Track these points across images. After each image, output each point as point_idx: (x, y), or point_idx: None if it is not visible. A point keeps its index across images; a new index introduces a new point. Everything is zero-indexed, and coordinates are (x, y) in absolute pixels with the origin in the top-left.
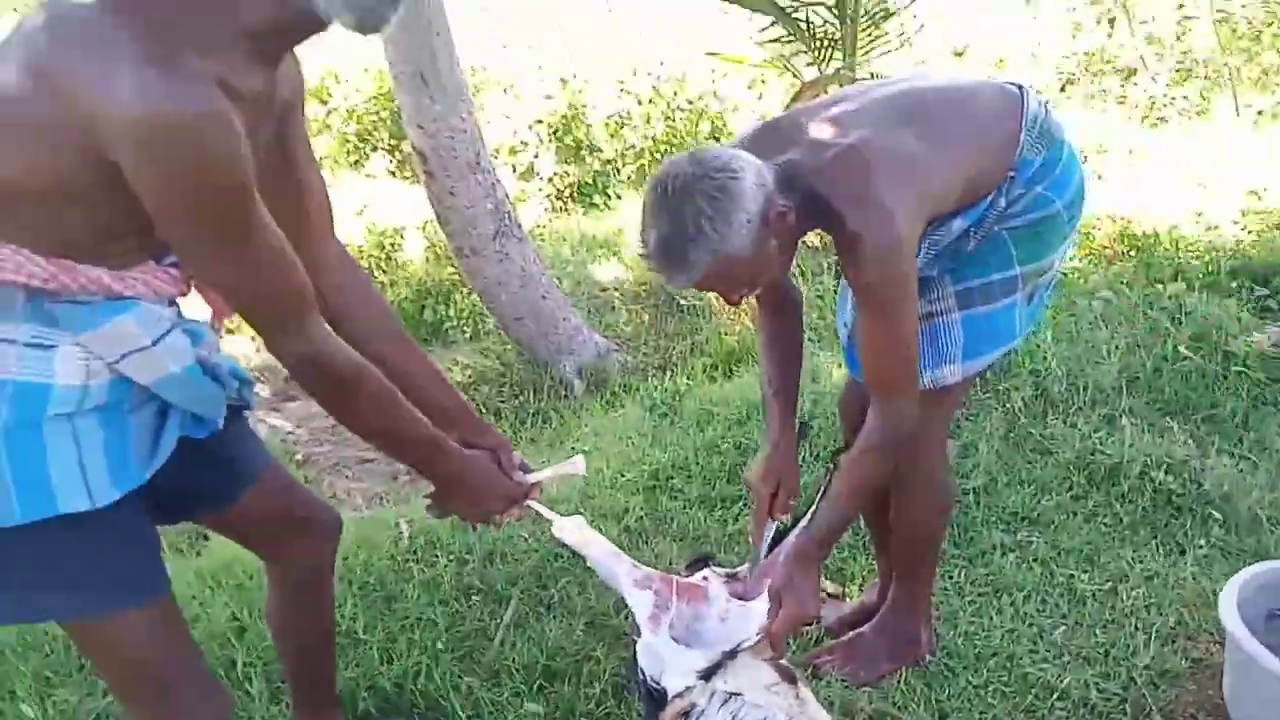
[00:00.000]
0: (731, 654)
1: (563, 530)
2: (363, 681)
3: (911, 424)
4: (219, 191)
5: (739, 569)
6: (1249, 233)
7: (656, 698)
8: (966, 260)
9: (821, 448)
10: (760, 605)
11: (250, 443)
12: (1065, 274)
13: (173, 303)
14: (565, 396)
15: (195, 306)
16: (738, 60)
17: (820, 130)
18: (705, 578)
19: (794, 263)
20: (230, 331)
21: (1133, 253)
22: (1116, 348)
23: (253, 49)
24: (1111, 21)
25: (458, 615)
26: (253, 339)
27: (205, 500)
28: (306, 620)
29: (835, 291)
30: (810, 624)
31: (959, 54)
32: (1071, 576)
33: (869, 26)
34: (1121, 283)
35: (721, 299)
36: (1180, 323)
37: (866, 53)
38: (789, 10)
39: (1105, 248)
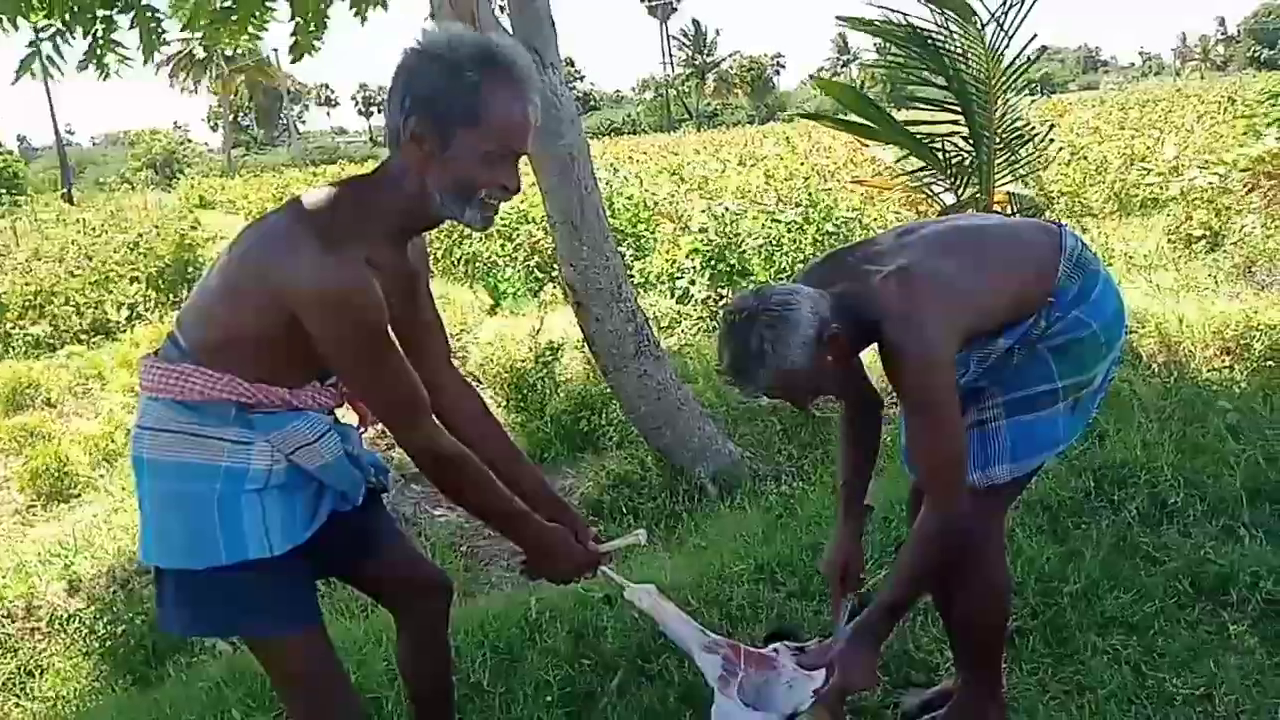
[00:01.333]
0: (791, 717)
1: (635, 595)
2: None
3: (961, 515)
4: (365, 337)
5: (808, 643)
6: None
7: None
8: (1013, 374)
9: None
10: (821, 674)
11: (384, 519)
12: (1202, 385)
13: (331, 411)
14: (699, 500)
15: (347, 415)
16: (883, 186)
17: (871, 261)
18: (775, 649)
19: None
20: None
21: None
22: (1243, 459)
23: (389, 237)
24: None
25: (570, 679)
26: None
27: (346, 560)
28: (426, 665)
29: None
30: (859, 692)
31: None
32: (1163, 680)
33: (1005, 152)
34: (1263, 394)
35: (795, 406)
36: None
37: (1004, 176)
38: (926, 141)
39: (1265, 360)
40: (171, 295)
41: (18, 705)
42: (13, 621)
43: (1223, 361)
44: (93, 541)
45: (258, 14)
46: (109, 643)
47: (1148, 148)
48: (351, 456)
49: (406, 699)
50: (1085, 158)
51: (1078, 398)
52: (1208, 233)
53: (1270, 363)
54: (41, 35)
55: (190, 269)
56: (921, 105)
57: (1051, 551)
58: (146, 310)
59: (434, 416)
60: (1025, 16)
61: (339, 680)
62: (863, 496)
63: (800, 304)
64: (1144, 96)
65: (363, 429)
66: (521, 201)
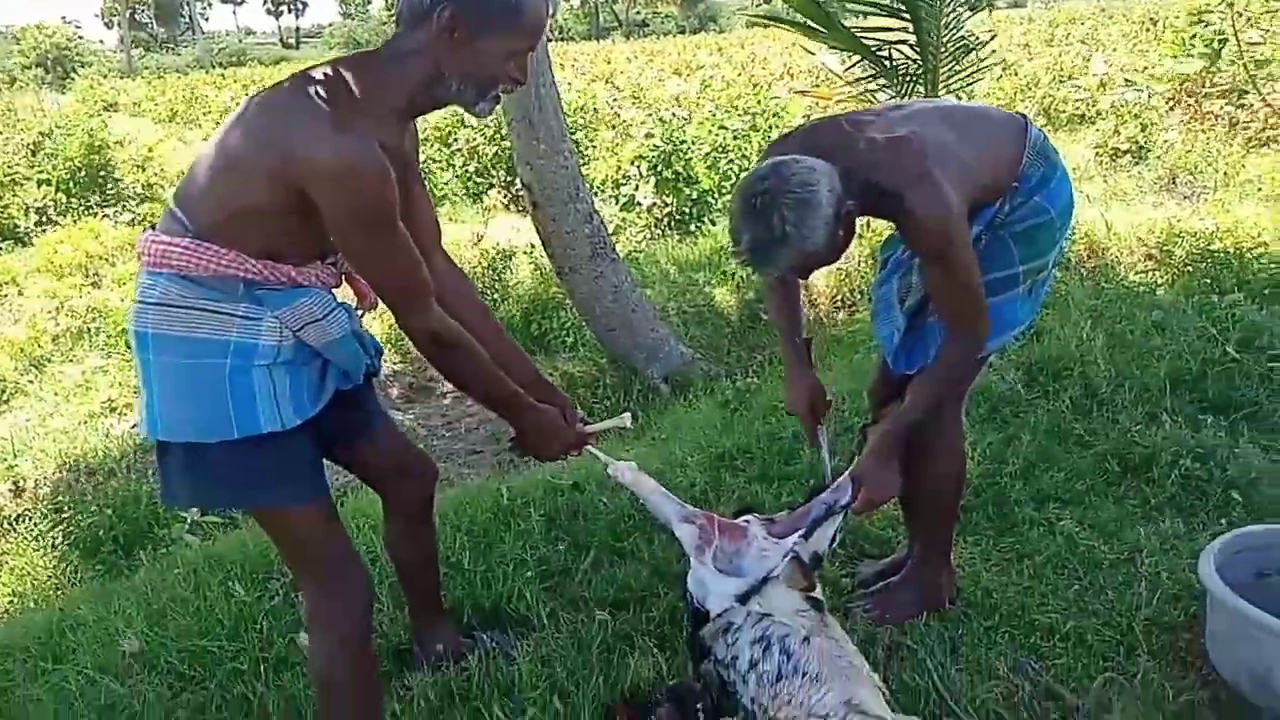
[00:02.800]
0: (764, 581)
1: (617, 471)
2: (467, 601)
3: (981, 344)
4: (377, 215)
5: (776, 515)
6: None
7: (700, 616)
8: (978, 261)
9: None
10: (789, 541)
11: (376, 401)
12: (1130, 287)
13: (330, 291)
14: (652, 399)
15: (345, 296)
16: (825, 96)
17: (869, 132)
18: (747, 520)
19: None
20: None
21: (1206, 267)
22: (1166, 352)
23: (395, 117)
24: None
25: (545, 558)
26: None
27: (345, 439)
28: (412, 545)
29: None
30: (886, 502)
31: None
32: (1092, 547)
33: (949, 61)
34: (1184, 295)
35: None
36: (1231, 329)
37: (948, 85)
38: (875, 49)
39: (1184, 265)
40: (84, 199)
41: None
42: None
43: (1147, 266)
44: (31, 446)
45: None
46: (73, 537)
47: (1075, 65)
48: (355, 334)
49: (398, 576)
50: (1016, 73)
51: (1034, 281)
52: (1134, 146)
53: (1190, 267)
54: None
55: (103, 173)
56: (869, 9)
57: (993, 437)
58: (58, 215)
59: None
60: None
61: (348, 548)
62: (801, 332)
63: (820, 183)
64: (1070, 14)
65: (361, 310)
66: None
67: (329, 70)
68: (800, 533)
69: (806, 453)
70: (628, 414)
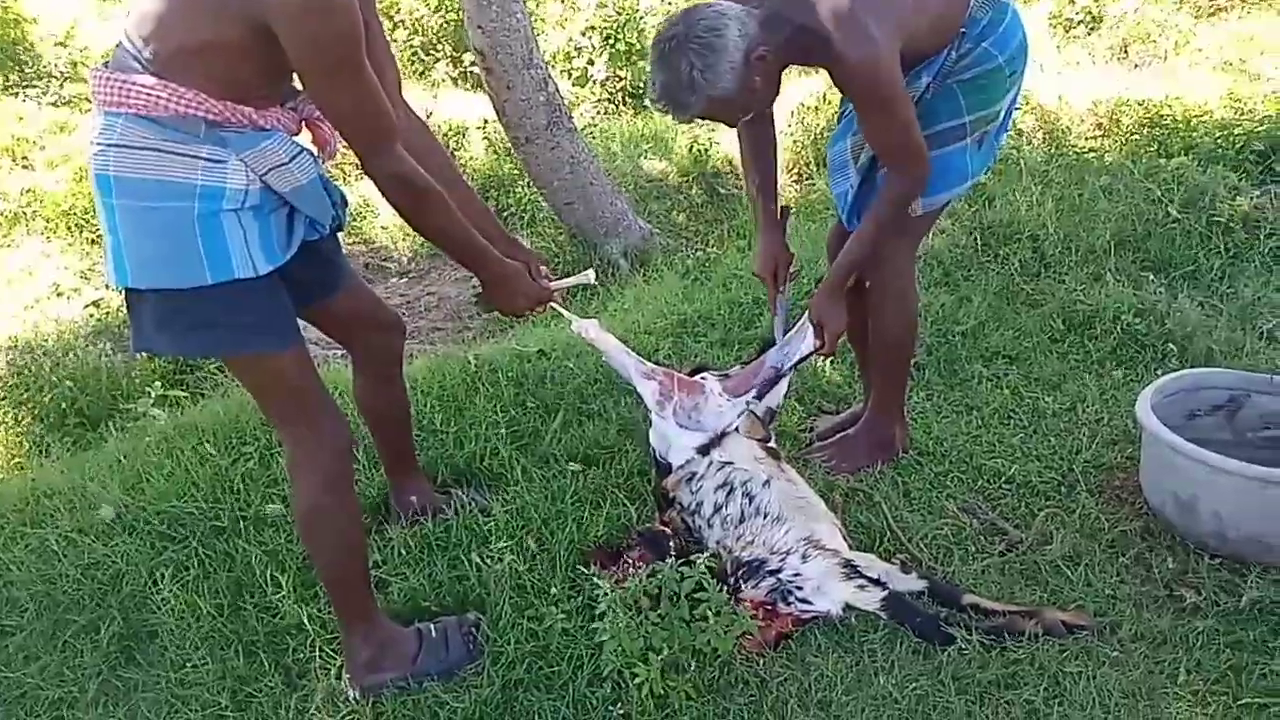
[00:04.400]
0: (723, 435)
1: (581, 328)
2: (441, 460)
3: (922, 184)
4: (343, 49)
5: (730, 370)
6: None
7: (664, 468)
8: (924, 112)
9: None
10: (742, 400)
11: (343, 256)
12: (1080, 154)
13: (292, 138)
14: (612, 274)
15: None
16: None
17: None
18: (703, 377)
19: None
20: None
21: (1155, 133)
22: (1113, 215)
23: None
24: None
25: (515, 419)
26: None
27: (315, 293)
28: (384, 399)
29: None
30: (840, 335)
31: None
32: (1037, 398)
33: None
34: (1132, 160)
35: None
36: (1175, 191)
37: None
38: None
39: (1132, 132)
40: (3, 79)
41: None
42: None
43: (1097, 133)
44: None
45: None
46: (37, 411)
47: None
48: (321, 180)
49: (372, 432)
50: None
51: (985, 132)
52: (1087, 16)
53: (1137, 135)
54: None
55: (20, 48)
56: None
57: (945, 299)
58: None
59: None
60: None
61: (326, 394)
62: (775, 199)
63: (728, 27)
64: None
65: (322, 158)
66: None
67: None
68: (753, 393)
69: (766, 317)
70: (590, 270)
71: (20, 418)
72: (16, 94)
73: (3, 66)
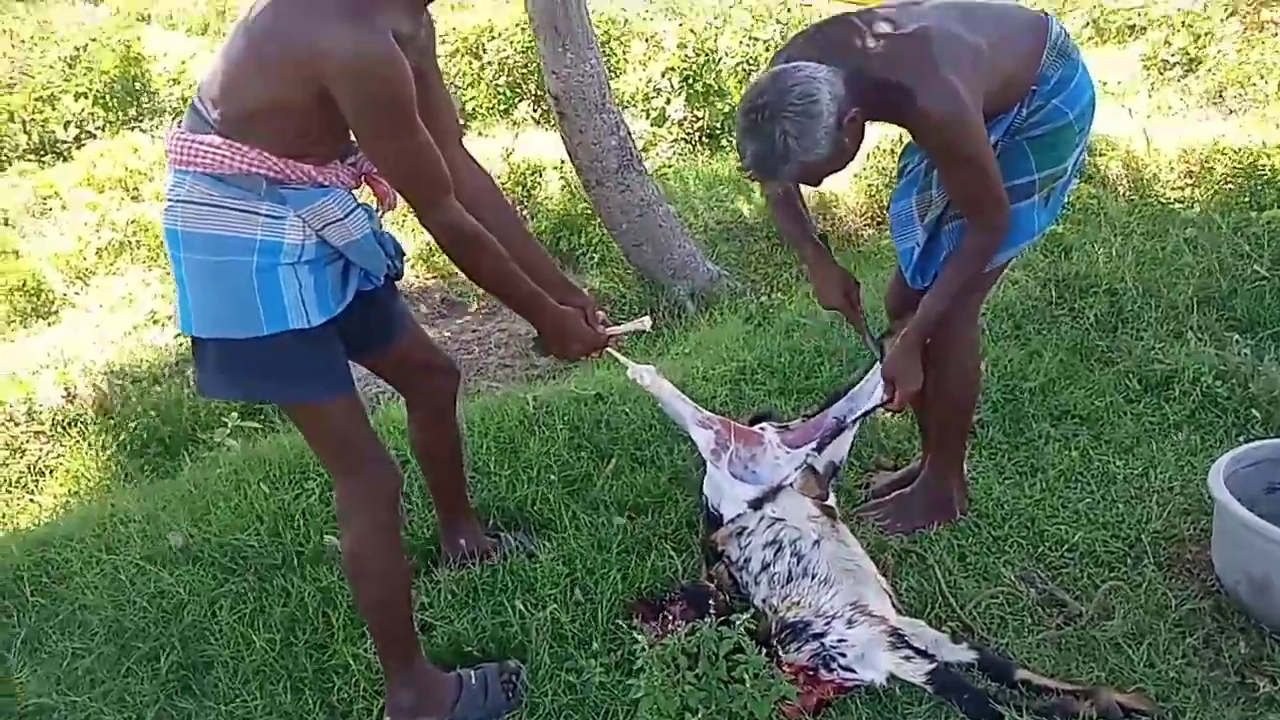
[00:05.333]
0: (778, 489)
1: (637, 374)
2: (493, 503)
3: (1003, 234)
4: (395, 108)
5: (792, 423)
6: None
7: (714, 520)
8: None
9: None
10: (804, 451)
11: (400, 303)
12: (1165, 204)
13: (350, 192)
14: (678, 315)
15: (366, 197)
16: (861, 2)
17: (879, 28)
18: (762, 427)
19: None
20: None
21: (1248, 184)
22: (1197, 270)
23: (408, 9)
24: None
25: (568, 464)
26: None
27: (371, 341)
28: (437, 443)
29: None
30: (914, 394)
31: None
32: (1107, 462)
33: None
34: (1220, 212)
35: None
36: (1265, 247)
37: None
38: None
39: (1224, 182)
40: (121, 113)
41: (32, 502)
42: (16, 425)
43: (1186, 182)
44: (80, 355)
45: None
46: (122, 439)
47: None
48: (375, 235)
49: (425, 476)
50: None
51: (1051, 189)
52: (1184, 58)
53: (1230, 185)
54: None
55: (138, 85)
56: None
57: (1015, 353)
58: (96, 129)
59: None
60: None
61: (375, 440)
62: (814, 233)
63: (821, 92)
64: None
65: (381, 211)
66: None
67: None
68: (813, 445)
69: (827, 366)
70: (647, 317)
71: (107, 444)
72: (133, 128)
73: (123, 102)
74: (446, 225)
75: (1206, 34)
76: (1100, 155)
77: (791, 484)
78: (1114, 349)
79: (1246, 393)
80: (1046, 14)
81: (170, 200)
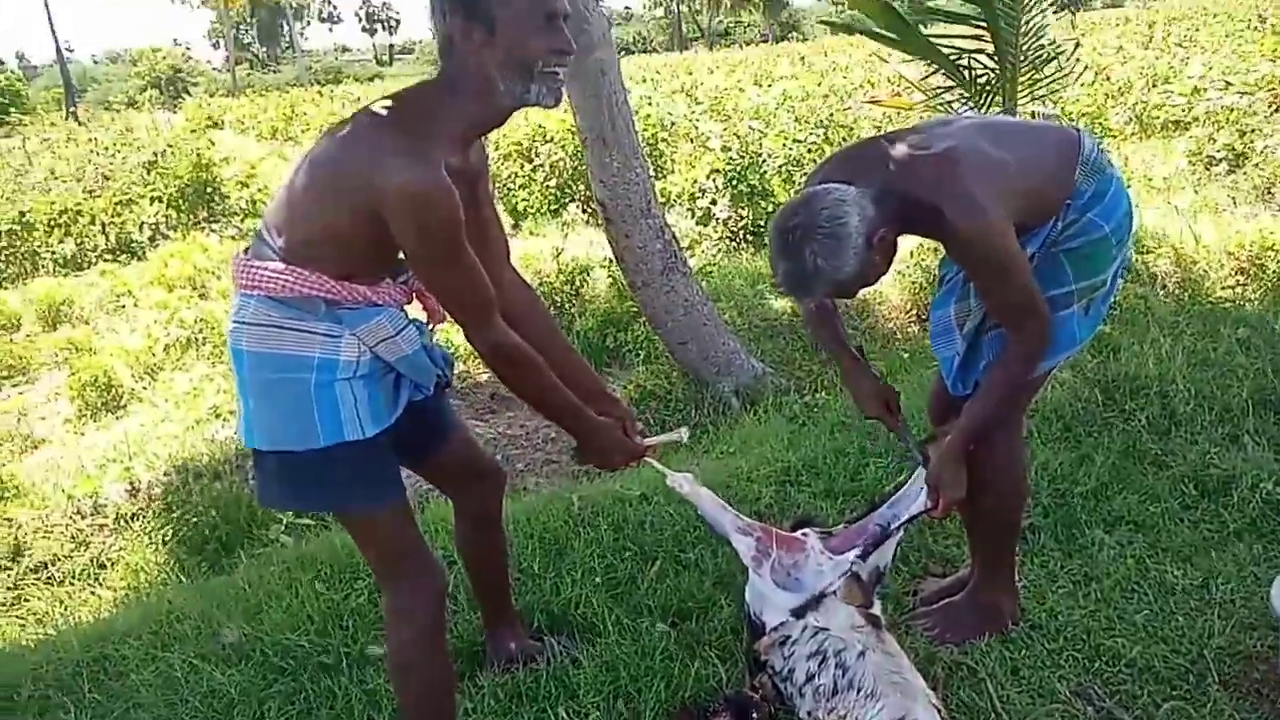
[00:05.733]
0: (821, 597)
1: (675, 482)
2: (537, 606)
3: (1045, 343)
4: (445, 236)
5: (834, 529)
6: None
7: (758, 628)
8: None
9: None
10: (847, 558)
11: (449, 410)
12: (1215, 303)
13: (402, 308)
14: (723, 413)
15: (416, 311)
16: (901, 106)
17: (910, 147)
18: (804, 533)
19: None
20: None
21: None
22: (1251, 371)
23: (461, 139)
24: None
25: (612, 566)
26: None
27: (421, 448)
28: (483, 547)
29: None
30: (960, 502)
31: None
32: (1165, 571)
33: (1029, 70)
34: (1274, 312)
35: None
36: None
37: (1026, 95)
38: (953, 57)
39: (1278, 280)
40: (192, 215)
41: (93, 594)
42: (82, 518)
43: (1237, 280)
44: (145, 449)
45: None
46: (181, 535)
47: (1171, 68)
48: (425, 349)
49: (469, 579)
50: (1108, 78)
51: (1090, 300)
52: (1230, 154)
53: None
54: None
55: (209, 189)
56: (944, 19)
57: (1065, 457)
58: (169, 229)
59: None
60: None
61: (423, 547)
62: (849, 343)
63: (849, 215)
64: (1170, 14)
65: (431, 325)
66: (543, 121)
67: (398, 101)
68: (857, 552)
69: (872, 468)
70: (685, 429)
71: (167, 538)
72: (204, 229)
73: (194, 205)
74: (493, 344)
75: (1252, 130)
76: (1148, 252)
77: (835, 592)
78: (1167, 452)
79: None
80: (1079, 130)
81: (235, 322)
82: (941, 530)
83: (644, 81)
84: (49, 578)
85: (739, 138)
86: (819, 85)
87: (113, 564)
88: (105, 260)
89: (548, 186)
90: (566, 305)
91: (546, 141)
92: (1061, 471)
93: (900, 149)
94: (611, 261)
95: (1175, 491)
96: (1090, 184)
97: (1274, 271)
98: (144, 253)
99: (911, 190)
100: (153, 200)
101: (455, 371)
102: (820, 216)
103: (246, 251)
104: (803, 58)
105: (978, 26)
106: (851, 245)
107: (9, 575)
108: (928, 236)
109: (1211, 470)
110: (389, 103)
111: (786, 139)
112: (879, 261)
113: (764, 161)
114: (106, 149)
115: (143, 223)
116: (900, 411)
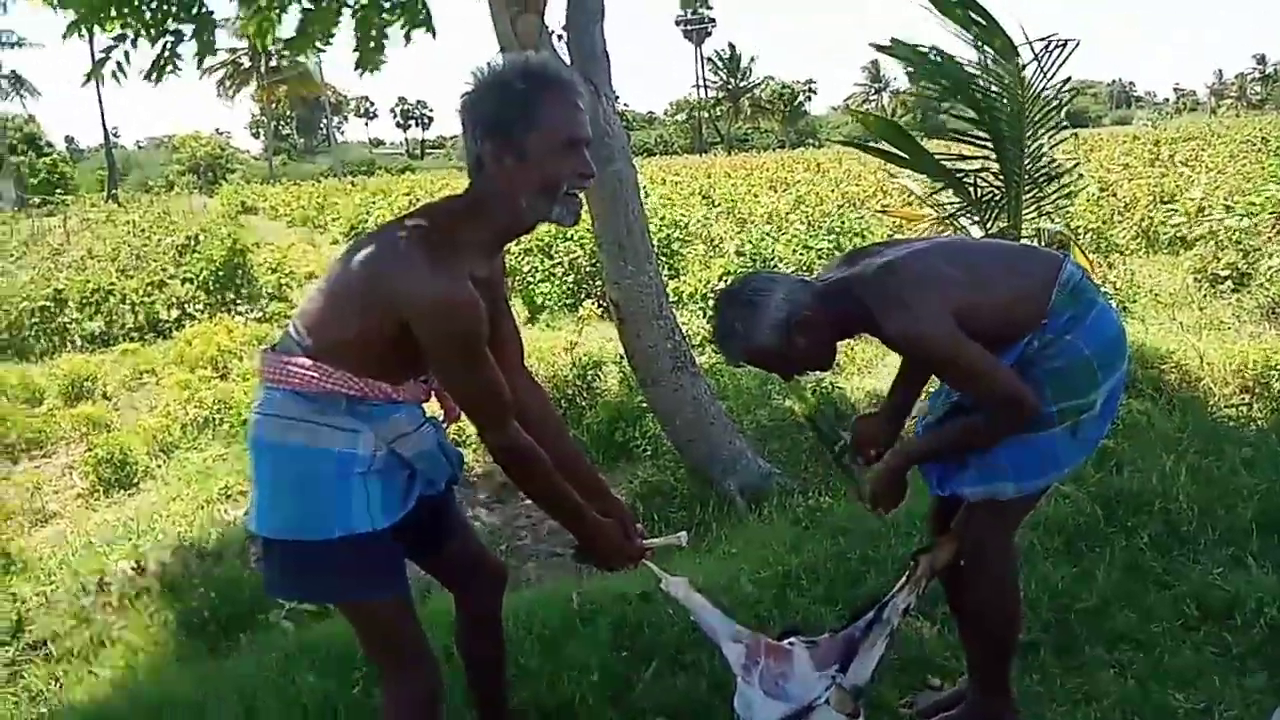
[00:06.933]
0: (810, 708)
1: (670, 585)
2: (533, 704)
3: (1020, 415)
4: (468, 344)
5: (819, 638)
6: None
7: None
8: None
9: None
10: (828, 673)
11: (456, 507)
12: (1218, 421)
13: (421, 405)
14: (728, 511)
15: (433, 409)
16: (912, 217)
17: (874, 257)
18: (791, 642)
19: None
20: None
21: None
22: (1256, 491)
23: (485, 250)
24: None
25: (610, 665)
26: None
27: (427, 542)
28: (482, 645)
29: None
30: (895, 508)
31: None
32: (1167, 694)
33: (1033, 189)
34: (1277, 432)
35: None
36: None
37: (1032, 211)
38: (959, 175)
39: None
40: (221, 297)
41: (90, 673)
42: (87, 595)
43: (1242, 399)
44: (154, 526)
45: (325, 32)
46: (182, 616)
47: (1178, 186)
48: (440, 446)
49: (466, 674)
50: (1115, 194)
51: (1076, 422)
52: (1234, 272)
53: None
54: (114, 43)
55: (239, 272)
56: (952, 136)
57: (1066, 571)
58: (196, 310)
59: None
60: (1066, 59)
61: (422, 641)
62: (903, 399)
63: (773, 293)
64: (1177, 134)
65: (447, 423)
66: None
67: (428, 214)
68: (836, 666)
69: (872, 574)
70: (684, 533)
71: (168, 620)
72: (230, 311)
73: (224, 286)
74: (506, 447)
75: (1256, 250)
76: (1150, 369)
77: (827, 701)
78: (1170, 571)
79: None
80: (1065, 255)
81: (258, 414)
82: (940, 642)
83: (663, 183)
84: (48, 655)
85: (752, 242)
86: (833, 192)
87: (113, 643)
88: (132, 339)
89: (565, 282)
90: (578, 398)
91: (566, 240)
92: (1063, 587)
93: (872, 256)
94: (623, 358)
95: (1177, 612)
96: (1069, 308)
97: (1278, 390)
98: (170, 332)
99: (853, 290)
100: (183, 281)
101: (465, 461)
102: (747, 289)
103: (274, 349)
104: (818, 164)
105: (983, 145)
106: (769, 318)
107: (8, 651)
108: (874, 335)
109: (1215, 591)
110: (421, 215)
111: (798, 244)
112: (803, 344)
113: (775, 266)
114: (143, 230)
115: (171, 303)
116: (864, 444)
